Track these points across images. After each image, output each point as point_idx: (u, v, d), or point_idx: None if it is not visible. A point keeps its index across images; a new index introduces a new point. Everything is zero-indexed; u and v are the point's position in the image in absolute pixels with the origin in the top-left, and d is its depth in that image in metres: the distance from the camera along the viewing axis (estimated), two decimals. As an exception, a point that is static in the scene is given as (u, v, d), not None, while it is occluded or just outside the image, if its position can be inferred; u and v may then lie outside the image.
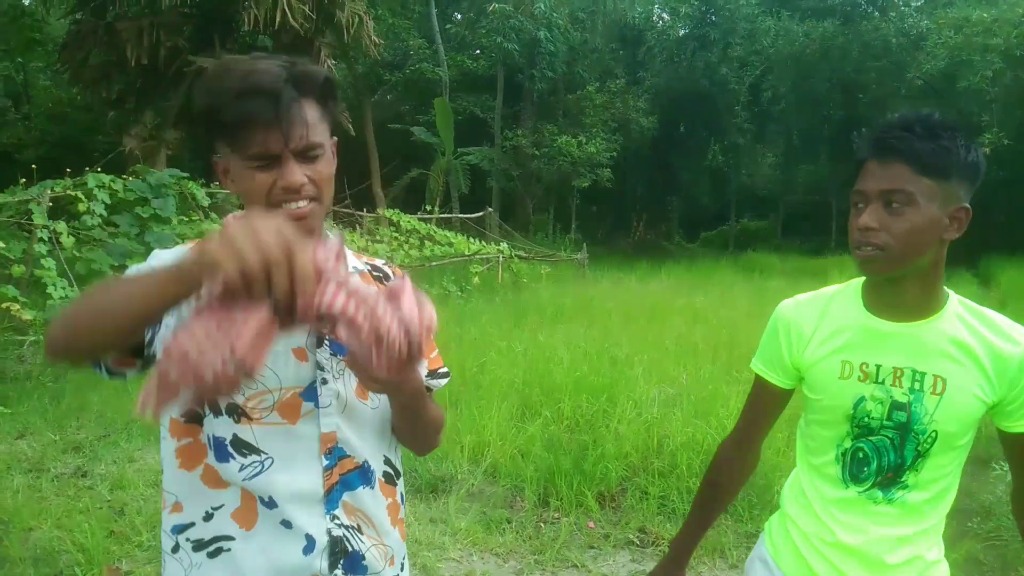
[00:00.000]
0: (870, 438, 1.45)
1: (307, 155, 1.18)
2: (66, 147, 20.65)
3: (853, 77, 24.38)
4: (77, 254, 7.69)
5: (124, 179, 8.82)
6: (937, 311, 1.41)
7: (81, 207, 8.03)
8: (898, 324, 1.42)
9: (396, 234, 13.01)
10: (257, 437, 1.22)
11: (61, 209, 8.19)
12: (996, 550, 3.75)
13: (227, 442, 1.21)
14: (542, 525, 3.94)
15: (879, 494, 1.45)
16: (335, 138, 1.28)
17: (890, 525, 1.45)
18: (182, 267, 0.97)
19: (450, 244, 13.80)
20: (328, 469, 1.25)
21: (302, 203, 1.19)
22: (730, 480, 1.73)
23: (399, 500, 1.40)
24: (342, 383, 1.27)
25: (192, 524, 1.24)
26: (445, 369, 1.47)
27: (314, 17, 13.97)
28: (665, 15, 32.19)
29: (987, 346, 1.38)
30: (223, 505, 1.23)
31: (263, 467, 1.21)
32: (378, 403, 1.32)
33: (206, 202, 10.29)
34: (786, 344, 1.55)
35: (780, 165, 32.25)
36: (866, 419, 1.44)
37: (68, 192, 8.11)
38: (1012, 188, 23.20)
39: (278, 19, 12.86)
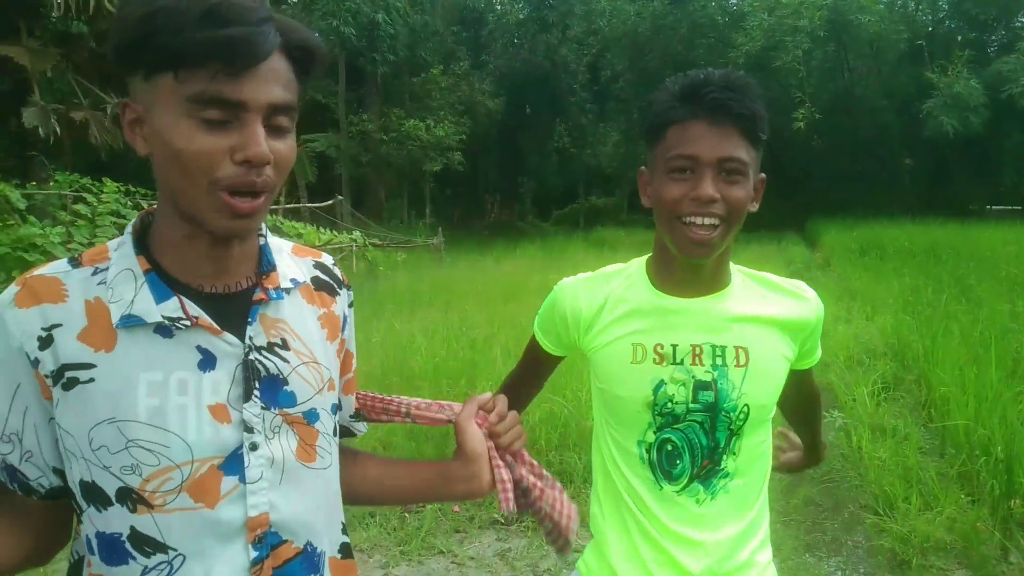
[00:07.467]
0: (677, 427, 1.30)
1: (274, 122, 0.89)
2: None
3: (684, 54, 25.53)
4: None
5: (-82, 183, 7.92)
6: (728, 283, 1.34)
7: None
8: (690, 300, 1.32)
9: (240, 228, 12.41)
10: (162, 529, 0.92)
11: None
12: (829, 491, 4.04)
13: (123, 538, 0.92)
14: (406, 515, 3.88)
15: (700, 489, 1.31)
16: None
17: (720, 526, 1.31)
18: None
19: (299, 235, 13.34)
20: (257, 563, 0.95)
21: (260, 198, 0.89)
22: None
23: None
24: (278, 443, 0.97)
25: None
26: None
27: (133, 1, 13.02)
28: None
29: (779, 307, 1.34)
30: None
31: (171, 568, 0.93)
32: (329, 460, 1.05)
33: (22, 205, 9.39)
34: (562, 326, 1.42)
35: (623, 143, 33.38)
36: (669, 404, 1.30)
37: None
38: (831, 157, 25.25)
39: (92, 3, 11.90)
